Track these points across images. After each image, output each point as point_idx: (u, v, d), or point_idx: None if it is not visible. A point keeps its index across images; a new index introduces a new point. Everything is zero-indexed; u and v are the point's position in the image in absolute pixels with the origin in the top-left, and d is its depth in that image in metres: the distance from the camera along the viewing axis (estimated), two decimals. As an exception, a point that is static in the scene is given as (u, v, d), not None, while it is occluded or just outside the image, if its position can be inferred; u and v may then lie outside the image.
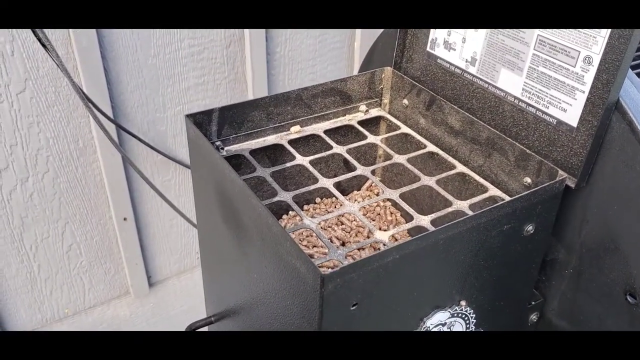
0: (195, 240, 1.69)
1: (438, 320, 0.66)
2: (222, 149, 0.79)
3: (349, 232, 0.87)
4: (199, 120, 0.76)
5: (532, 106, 0.72)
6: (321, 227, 0.86)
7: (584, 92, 0.66)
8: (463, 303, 0.67)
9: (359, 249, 0.81)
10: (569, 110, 0.68)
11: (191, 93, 1.46)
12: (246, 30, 1.43)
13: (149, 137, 1.46)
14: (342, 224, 0.88)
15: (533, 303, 0.78)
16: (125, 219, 1.53)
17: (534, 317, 0.80)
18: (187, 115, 0.74)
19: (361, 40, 1.61)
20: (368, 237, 0.85)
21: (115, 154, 1.40)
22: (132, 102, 1.39)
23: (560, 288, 0.77)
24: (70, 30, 1.21)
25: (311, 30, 1.54)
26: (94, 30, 1.24)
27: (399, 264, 0.58)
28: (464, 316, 0.68)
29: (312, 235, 0.84)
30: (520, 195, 0.64)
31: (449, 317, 0.67)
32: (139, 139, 1.41)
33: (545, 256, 0.76)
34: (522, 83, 0.73)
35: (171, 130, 1.49)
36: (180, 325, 1.69)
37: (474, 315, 0.70)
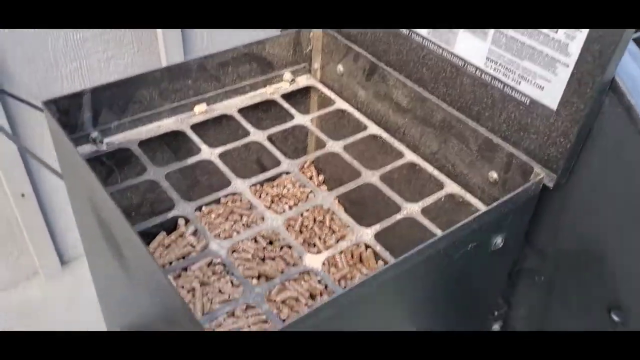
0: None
1: (386, 366, 0.52)
2: (101, 142, 0.60)
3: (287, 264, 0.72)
4: (65, 107, 0.57)
5: (499, 80, 0.57)
6: (244, 259, 0.69)
7: (567, 65, 0.51)
8: (416, 338, 0.53)
9: (282, 284, 0.66)
10: (547, 88, 0.53)
11: (89, 45, 1.23)
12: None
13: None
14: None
15: (496, 313, 0.66)
16: (23, 195, 1.32)
17: (496, 326, 0.68)
18: (46, 103, 0.55)
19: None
20: (294, 264, 0.70)
21: (3, 123, 1.18)
22: (15, 60, 1.15)
23: (528, 296, 0.65)
24: None
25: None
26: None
27: (334, 318, 0.42)
28: (417, 351, 0.55)
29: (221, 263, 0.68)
30: (489, 208, 0.49)
31: (400, 357, 0.53)
32: (30, 104, 1.18)
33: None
34: (487, 50, 0.57)
35: (69, 90, 1.26)
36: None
37: (430, 346, 0.56)
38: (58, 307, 1.58)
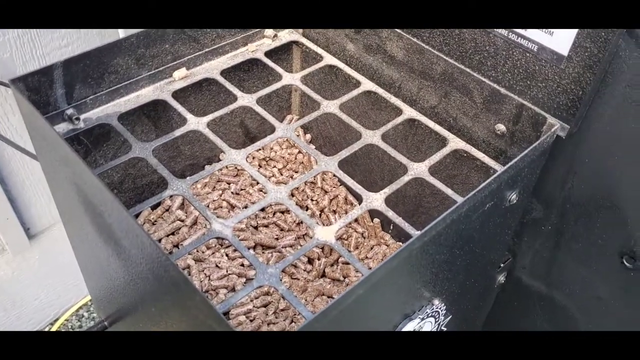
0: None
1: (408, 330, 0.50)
2: (77, 119, 0.54)
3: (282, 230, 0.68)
4: (35, 85, 0.51)
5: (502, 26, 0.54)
6: (238, 230, 0.66)
7: (580, 8, 0.48)
8: (436, 302, 0.52)
9: (294, 265, 0.63)
10: (558, 32, 0.50)
11: (36, 6, 1.13)
12: None
13: (-10, 69, 1.14)
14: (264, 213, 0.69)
15: (502, 266, 0.65)
16: (-21, 171, 1.24)
17: (501, 278, 0.67)
18: (14, 80, 0.49)
19: None
20: (305, 235, 0.67)
21: (-53, 94, 1.08)
22: (-46, 27, 1.05)
23: (533, 246, 0.64)
24: None
25: None
26: None
27: (362, 297, 0.40)
28: (435, 314, 0.53)
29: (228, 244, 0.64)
30: (509, 165, 0.46)
31: (419, 322, 0.52)
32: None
33: (517, 213, 0.62)
34: (489, -6, 0.53)
35: (19, 56, 1.17)
36: (74, 272, 1.47)
37: (445, 306, 0.55)
38: (29, 281, 1.53)
